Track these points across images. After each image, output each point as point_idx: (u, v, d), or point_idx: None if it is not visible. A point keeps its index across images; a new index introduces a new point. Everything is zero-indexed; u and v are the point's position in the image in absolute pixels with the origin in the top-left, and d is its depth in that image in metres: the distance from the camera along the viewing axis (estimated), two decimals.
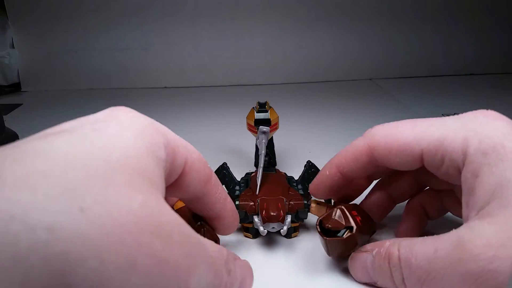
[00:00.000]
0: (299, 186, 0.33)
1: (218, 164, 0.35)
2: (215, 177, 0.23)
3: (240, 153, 0.47)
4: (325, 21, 0.80)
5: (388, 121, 0.26)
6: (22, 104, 0.71)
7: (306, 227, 0.32)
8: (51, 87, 0.78)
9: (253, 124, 0.35)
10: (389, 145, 0.24)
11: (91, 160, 0.14)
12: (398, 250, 0.21)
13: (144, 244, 0.14)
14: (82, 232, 0.12)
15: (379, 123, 0.26)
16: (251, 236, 0.30)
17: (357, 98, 0.69)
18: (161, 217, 0.15)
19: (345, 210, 0.26)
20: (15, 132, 0.47)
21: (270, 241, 0.30)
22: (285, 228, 0.28)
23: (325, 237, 0.25)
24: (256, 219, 0.28)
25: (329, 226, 0.25)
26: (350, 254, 0.26)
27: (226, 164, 0.34)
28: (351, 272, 0.25)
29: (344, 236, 0.25)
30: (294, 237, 0.31)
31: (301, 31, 0.80)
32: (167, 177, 0.19)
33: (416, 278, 0.20)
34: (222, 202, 0.24)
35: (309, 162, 0.34)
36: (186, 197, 0.23)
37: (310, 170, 0.34)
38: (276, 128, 0.36)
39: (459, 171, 0.21)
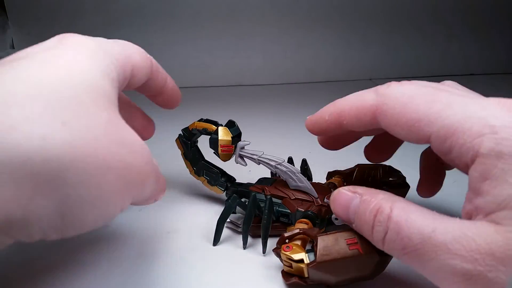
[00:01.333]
0: None
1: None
2: (154, 64, 0.27)
3: None
4: (325, 21, 0.80)
5: None
6: None
7: None
8: None
9: (231, 142, 0.31)
10: (398, 116, 0.21)
11: (59, 84, 0.17)
12: (391, 209, 0.20)
13: (114, 151, 0.17)
14: (68, 140, 0.16)
15: None
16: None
17: None
18: (123, 131, 0.19)
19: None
20: None
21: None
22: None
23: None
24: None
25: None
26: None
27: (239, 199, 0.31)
28: (331, 204, 0.24)
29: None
30: None
31: (301, 31, 0.80)
32: (119, 88, 0.22)
33: (401, 245, 0.19)
34: (163, 83, 0.29)
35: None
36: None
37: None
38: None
39: (466, 165, 0.19)
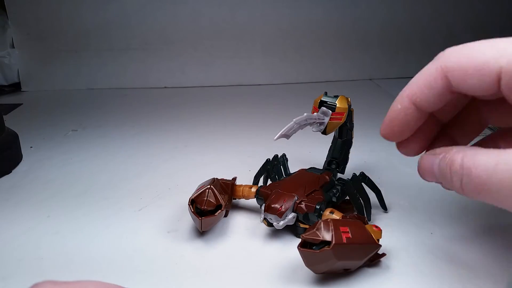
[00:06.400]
0: (335, 197, 0.32)
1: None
2: None
3: (241, 154, 0.47)
4: (325, 21, 0.80)
5: None
6: (22, 104, 0.71)
7: None
8: (51, 87, 0.78)
9: (317, 105, 0.33)
10: (465, 65, 0.22)
11: None
12: (462, 159, 0.22)
13: None
14: None
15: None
16: (266, 223, 0.31)
17: (357, 98, 0.68)
18: None
19: (331, 224, 0.24)
20: (15, 132, 0.47)
21: (275, 236, 0.31)
22: (280, 223, 0.29)
23: (298, 247, 0.24)
24: (262, 206, 0.31)
25: (306, 237, 0.24)
26: (330, 269, 0.25)
27: (283, 156, 0.37)
28: (420, 172, 0.25)
29: (318, 250, 0.23)
30: None
31: (301, 31, 0.80)
32: None
33: (473, 186, 0.21)
34: None
35: (362, 174, 0.33)
36: None
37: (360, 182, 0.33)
38: (338, 120, 0.33)
39: None
